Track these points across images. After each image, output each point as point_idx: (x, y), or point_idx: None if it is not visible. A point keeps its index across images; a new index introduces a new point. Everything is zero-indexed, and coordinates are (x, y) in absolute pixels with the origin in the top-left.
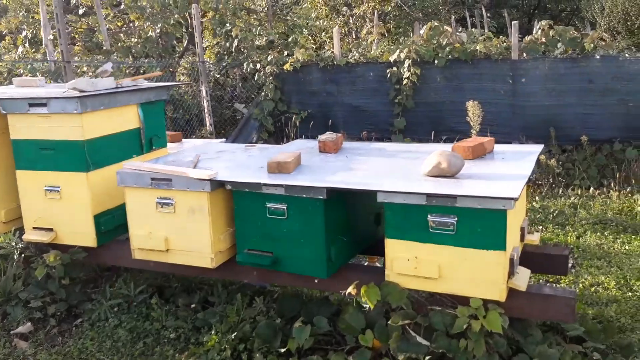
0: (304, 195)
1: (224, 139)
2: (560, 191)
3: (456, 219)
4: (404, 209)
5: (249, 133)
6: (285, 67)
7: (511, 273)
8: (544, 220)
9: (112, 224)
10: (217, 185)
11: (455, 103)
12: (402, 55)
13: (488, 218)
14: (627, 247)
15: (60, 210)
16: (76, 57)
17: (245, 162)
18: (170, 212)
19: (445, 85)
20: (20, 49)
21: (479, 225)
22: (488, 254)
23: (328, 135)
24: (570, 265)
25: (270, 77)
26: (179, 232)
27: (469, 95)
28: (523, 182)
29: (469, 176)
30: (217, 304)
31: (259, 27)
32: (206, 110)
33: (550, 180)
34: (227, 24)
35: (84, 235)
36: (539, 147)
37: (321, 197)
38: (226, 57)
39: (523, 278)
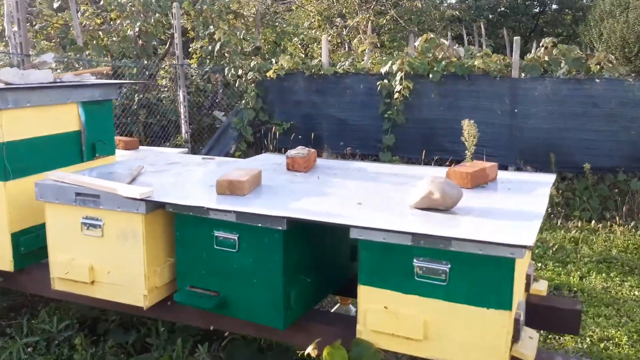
0: (259, 224)
1: (185, 150)
2: (559, 222)
3: (449, 266)
4: (384, 250)
5: (227, 143)
6: (268, 74)
7: (516, 337)
8: (542, 256)
9: (35, 244)
10: (154, 206)
11: (449, 121)
12: (395, 67)
13: (490, 268)
14: (636, 293)
15: None
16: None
17: (196, 178)
18: (97, 235)
19: (439, 101)
20: None
21: (478, 276)
22: (488, 313)
23: (298, 151)
24: None
25: (252, 85)
26: (107, 261)
27: (465, 113)
28: (537, 223)
29: (468, 211)
30: (154, 348)
31: (244, 32)
32: (182, 117)
33: (549, 209)
34: (211, 27)
35: None
36: (551, 178)
37: (280, 227)
38: (208, 61)
39: (530, 345)
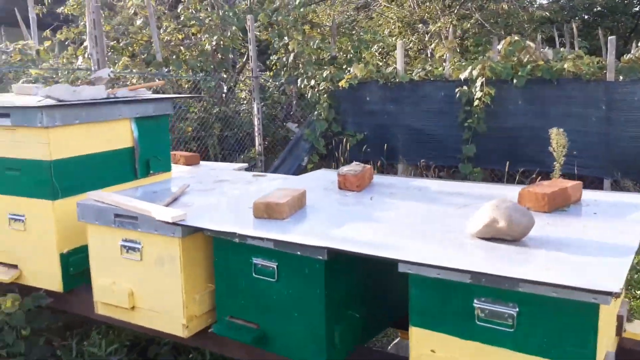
0: (299, 253)
1: (244, 165)
2: None
3: (517, 309)
4: (438, 287)
5: (299, 155)
6: (340, 84)
7: None
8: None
9: (84, 264)
10: (192, 229)
11: (535, 129)
12: (475, 73)
13: (568, 314)
14: None
15: (24, 243)
16: (131, 70)
17: (241, 198)
18: (136, 259)
19: (524, 108)
20: (80, 59)
21: (553, 323)
22: None
23: (351, 167)
24: None
25: (325, 95)
26: (146, 287)
27: (553, 121)
28: (628, 260)
29: (541, 242)
30: None
31: (317, 42)
32: (256, 129)
33: None
34: (285, 38)
35: (49, 276)
36: None
37: (320, 257)
38: (283, 72)
39: None
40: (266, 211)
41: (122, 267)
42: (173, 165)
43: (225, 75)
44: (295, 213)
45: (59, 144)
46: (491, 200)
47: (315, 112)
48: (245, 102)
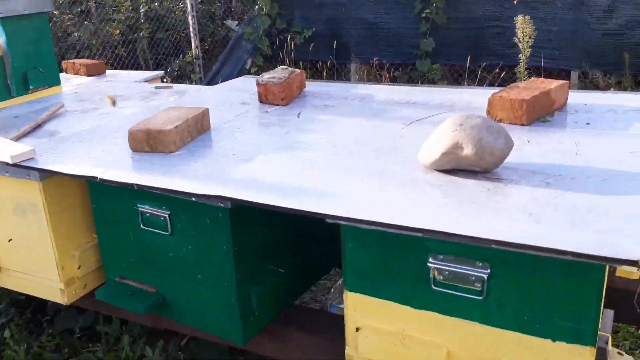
0: (194, 199)
1: (159, 73)
2: None
3: (488, 271)
4: (381, 241)
5: (240, 57)
6: None
7: None
8: None
9: None
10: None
11: (499, 18)
12: None
13: (560, 277)
14: None
15: None
16: None
17: (123, 121)
18: None
19: None
20: None
21: (537, 288)
22: (556, 348)
23: (277, 73)
24: None
25: None
26: (10, 243)
27: (519, 8)
28: None
29: (522, 173)
30: (104, 341)
31: None
32: (191, 29)
33: None
34: None
35: None
36: None
37: (222, 204)
38: None
39: None
40: (147, 142)
41: None
42: (72, 77)
43: None
44: (191, 142)
45: None
46: (452, 112)
47: (257, 7)
48: None
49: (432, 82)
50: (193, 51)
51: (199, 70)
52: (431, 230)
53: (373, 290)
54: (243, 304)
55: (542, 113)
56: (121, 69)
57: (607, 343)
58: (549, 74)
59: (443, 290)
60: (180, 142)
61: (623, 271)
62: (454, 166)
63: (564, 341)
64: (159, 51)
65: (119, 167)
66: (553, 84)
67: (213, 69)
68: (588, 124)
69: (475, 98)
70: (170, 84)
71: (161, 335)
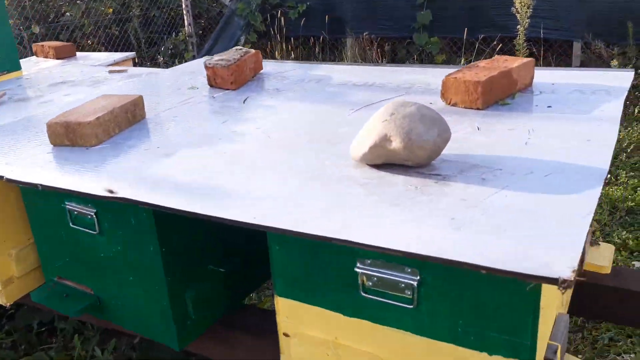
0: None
1: (130, 55)
2: (636, 111)
3: (418, 278)
4: (307, 244)
5: (234, 34)
6: None
7: None
8: (612, 163)
9: None
10: None
11: None
12: None
13: (495, 286)
14: None
15: None
16: None
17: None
18: None
19: None
20: None
21: (470, 297)
22: None
23: (229, 54)
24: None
25: None
26: None
27: None
28: (591, 207)
29: (462, 166)
30: (60, 338)
31: None
32: (184, 6)
33: (626, 102)
34: None
35: None
36: (625, 77)
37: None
38: None
39: None
40: (67, 136)
41: None
42: (41, 61)
43: None
44: (119, 134)
45: None
46: (407, 94)
47: None
48: None
49: (430, 55)
50: (186, 29)
51: (192, 48)
52: (334, 238)
53: (303, 296)
54: (176, 308)
55: (501, 95)
56: (114, 49)
57: (555, 353)
58: (550, 46)
59: (373, 297)
60: (103, 135)
61: (592, 265)
62: (384, 160)
63: (501, 355)
64: (153, 29)
65: (32, 164)
66: (516, 62)
67: (205, 46)
68: (549, 106)
69: (437, 79)
70: (125, 68)
71: (115, 333)
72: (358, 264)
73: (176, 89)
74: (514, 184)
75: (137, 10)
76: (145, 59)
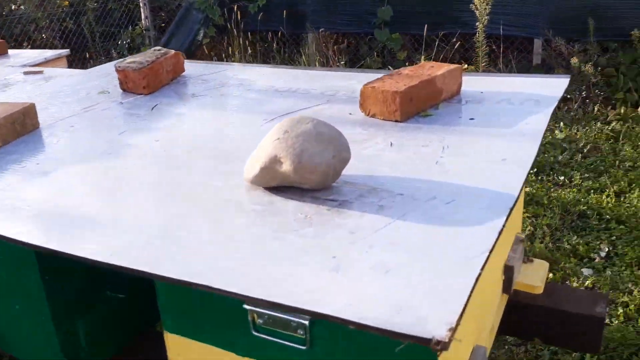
0: None
1: (64, 52)
2: (596, 110)
3: (309, 319)
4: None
5: (192, 28)
6: None
7: None
8: (567, 164)
9: None
10: None
11: None
12: None
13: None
14: None
15: None
16: None
17: None
18: None
19: None
20: None
21: (367, 342)
22: None
23: (145, 56)
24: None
25: None
26: None
27: None
28: (488, 244)
29: (362, 191)
30: None
31: None
32: None
33: (584, 93)
34: None
35: None
36: (558, 86)
37: None
38: None
39: None
40: None
41: None
42: None
43: None
44: (3, 147)
45: None
46: (329, 103)
47: None
48: None
49: (391, 52)
50: (143, 22)
51: (149, 42)
52: (193, 282)
53: (193, 333)
54: (65, 340)
55: (423, 106)
56: (68, 44)
57: None
58: (511, 43)
59: (265, 336)
60: None
61: (524, 285)
62: (279, 183)
63: None
64: (111, 22)
65: None
66: (442, 69)
67: (161, 40)
68: (472, 119)
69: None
70: (41, 69)
71: None
72: (246, 302)
73: (84, 94)
74: (411, 212)
75: (92, 2)
76: (100, 54)
